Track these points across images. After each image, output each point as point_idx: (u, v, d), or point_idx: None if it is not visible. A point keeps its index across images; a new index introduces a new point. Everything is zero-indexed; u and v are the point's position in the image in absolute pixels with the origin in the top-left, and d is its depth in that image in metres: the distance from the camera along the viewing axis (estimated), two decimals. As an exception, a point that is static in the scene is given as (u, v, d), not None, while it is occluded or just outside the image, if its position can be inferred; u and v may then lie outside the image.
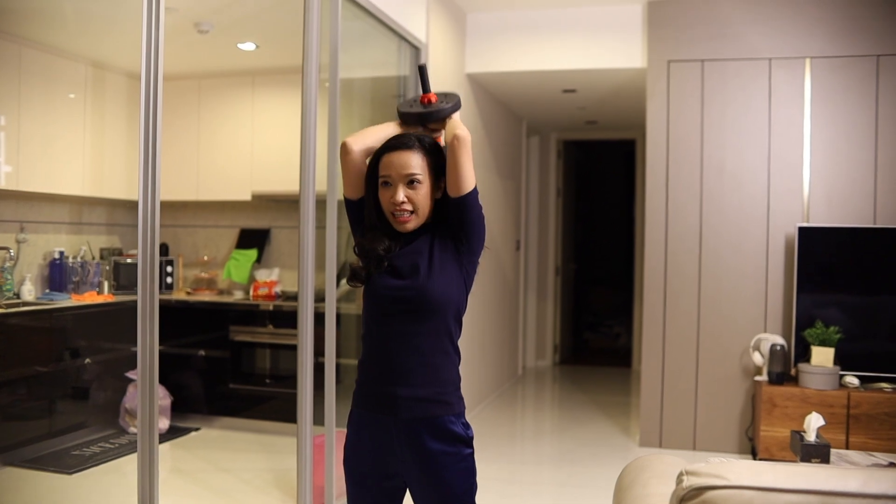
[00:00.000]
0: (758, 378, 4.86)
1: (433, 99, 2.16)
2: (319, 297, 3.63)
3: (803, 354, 4.77)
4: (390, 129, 2.17)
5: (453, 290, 2.08)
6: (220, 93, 5.96)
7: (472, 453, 2.11)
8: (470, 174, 2.04)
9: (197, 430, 5.46)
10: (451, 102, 2.15)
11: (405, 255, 2.08)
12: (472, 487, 2.11)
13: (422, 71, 2.20)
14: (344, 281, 3.12)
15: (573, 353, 9.50)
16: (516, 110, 7.35)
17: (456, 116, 2.15)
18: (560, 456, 5.38)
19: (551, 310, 8.70)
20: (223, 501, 4.08)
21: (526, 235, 8.38)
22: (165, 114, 5.89)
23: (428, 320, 2.05)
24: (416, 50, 4.86)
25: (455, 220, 2.07)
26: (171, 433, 5.31)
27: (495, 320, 6.81)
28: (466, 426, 2.10)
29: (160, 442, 5.05)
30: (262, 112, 5.81)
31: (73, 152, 5.26)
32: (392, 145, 2.09)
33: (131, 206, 6.23)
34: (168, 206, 6.23)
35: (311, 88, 3.58)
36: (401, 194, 2.04)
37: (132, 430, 5.25)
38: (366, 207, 2.15)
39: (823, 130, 4.96)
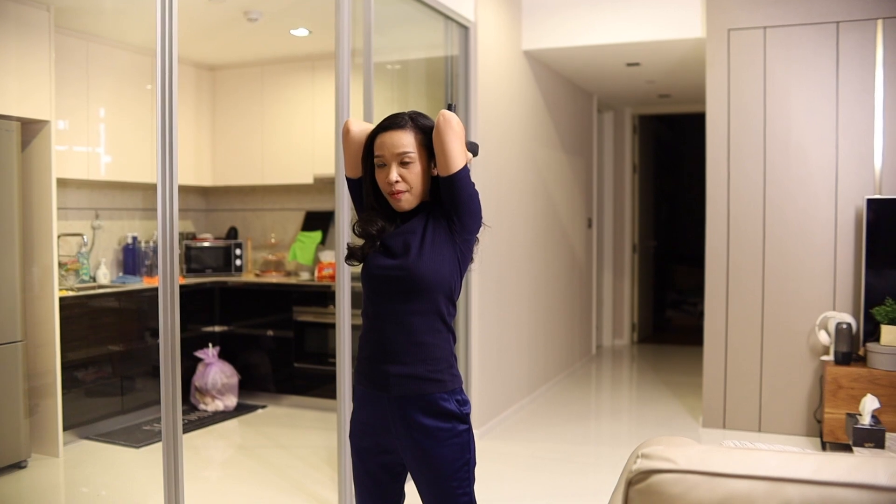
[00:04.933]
0: (824, 358, 4.65)
1: None
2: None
3: (873, 333, 4.54)
4: None
5: (444, 270, 2.08)
6: (281, 79, 6.08)
7: (469, 429, 2.11)
8: (457, 154, 2.03)
9: (263, 407, 5.65)
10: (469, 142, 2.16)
11: (399, 235, 2.10)
12: (468, 463, 2.11)
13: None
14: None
15: (654, 332, 9.31)
16: (583, 86, 7.21)
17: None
18: (620, 436, 5.31)
19: (628, 288, 8.54)
20: (273, 475, 4.21)
21: (600, 213, 8.24)
22: (231, 101, 6.13)
23: (418, 299, 2.06)
24: (464, 29, 4.83)
25: (446, 199, 2.07)
26: (239, 410, 5.51)
27: (562, 299, 6.74)
28: (462, 403, 2.10)
29: (227, 419, 5.29)
30: (322, 96, 5.89)
31: (143, 141, 5.48)
32: (385, 125, 2.10)
33: (201, 191, 6.47)
34: (237, 191, 6.43)
35: (344, 72, 3.62)
36: (394, 174, 2.06)
37: (202, 406, 5.47)
38: (363, 188, 2.17)
39: (897, 96, 4.68)
